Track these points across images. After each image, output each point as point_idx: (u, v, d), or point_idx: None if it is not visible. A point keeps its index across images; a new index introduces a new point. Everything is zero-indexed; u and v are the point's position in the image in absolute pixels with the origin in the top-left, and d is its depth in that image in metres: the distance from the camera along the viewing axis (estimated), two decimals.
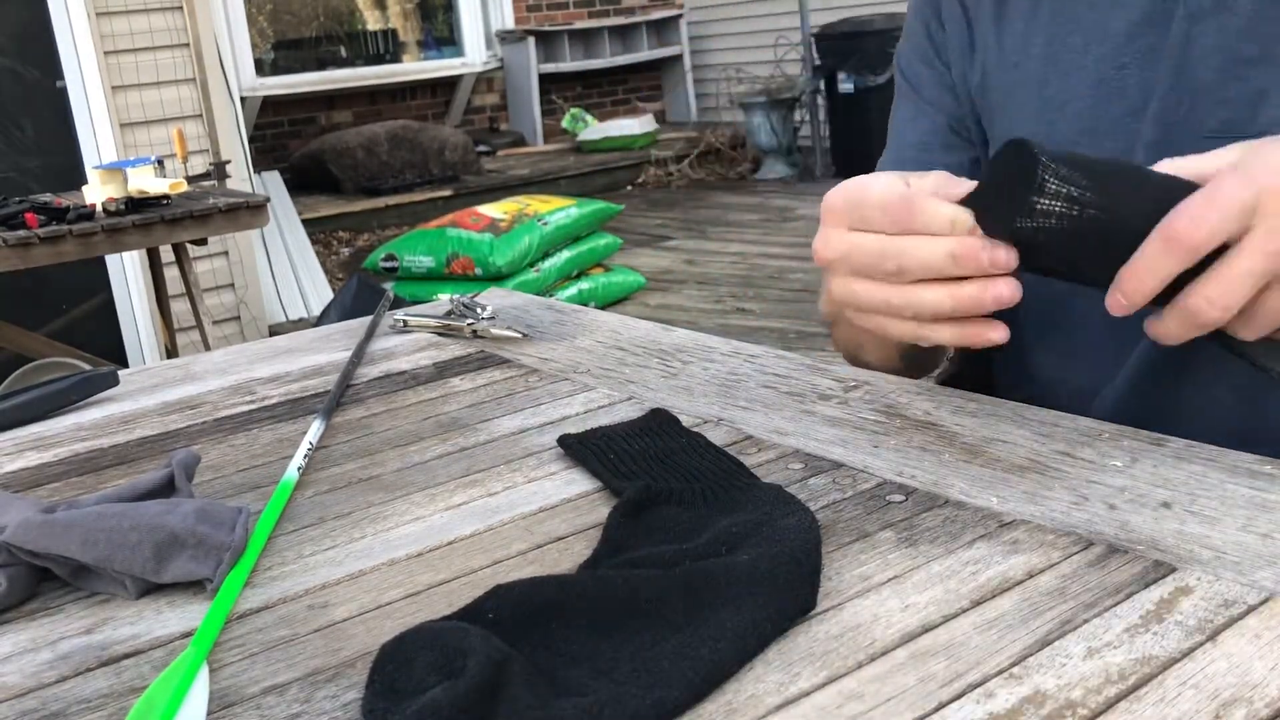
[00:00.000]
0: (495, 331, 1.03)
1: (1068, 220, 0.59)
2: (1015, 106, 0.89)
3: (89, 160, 4.18)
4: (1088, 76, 0.83)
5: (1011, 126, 0.88)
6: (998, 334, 0.66)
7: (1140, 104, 0.80)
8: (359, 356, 0.98)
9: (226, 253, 4.54)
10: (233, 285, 4.61)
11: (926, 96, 0.98)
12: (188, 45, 4.42)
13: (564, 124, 8.18)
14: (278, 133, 7.45)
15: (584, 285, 4.76)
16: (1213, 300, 0.60)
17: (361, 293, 4.01)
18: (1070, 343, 0.87)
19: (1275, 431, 0.76)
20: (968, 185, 0.66)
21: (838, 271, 0.69)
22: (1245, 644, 0.47)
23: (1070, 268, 0.64)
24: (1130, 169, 0.63)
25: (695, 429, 0.74)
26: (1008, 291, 0.63)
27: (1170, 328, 0.62)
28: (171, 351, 3.81)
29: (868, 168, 1.07)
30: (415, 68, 7.99)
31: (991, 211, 0.62)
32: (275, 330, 4.72)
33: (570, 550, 0.60)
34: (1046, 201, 0.59)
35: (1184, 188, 0.61)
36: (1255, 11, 0.75)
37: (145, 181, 2.99)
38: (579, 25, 8.36)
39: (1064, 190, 0.59)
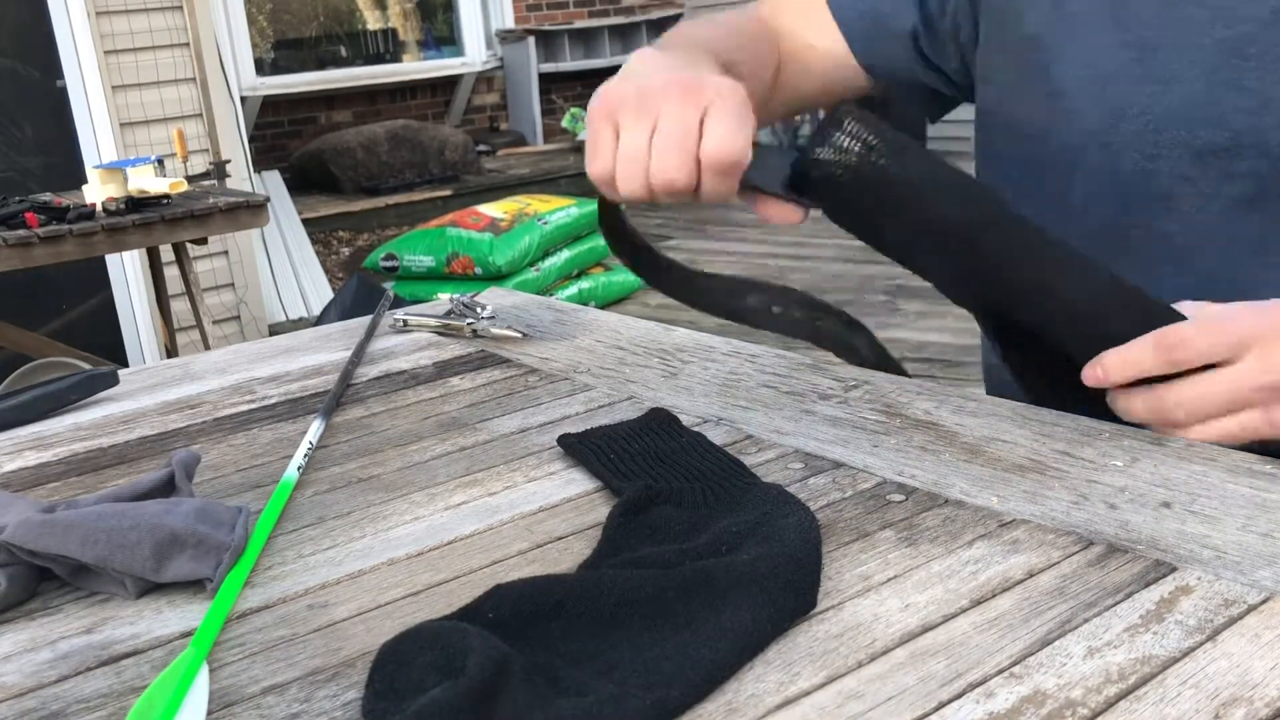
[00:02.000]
0: (495, 331, 1.03)
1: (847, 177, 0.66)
2: (1113, 63, 0.79)
3: (89, 160, 4.18)
4: (1205, 61, 0.75)
5: (1104, 90, 0.79)
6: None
7: (1257, 105, 0.74)
8: (359, 356, 0.98)
9: (226, 252, 4.54)
10: (233, 285, 4.61)
11: None
12: (188, 45, 4.42)
13: (564, 124, 8.18)
14: (278, 132, 7.44)
15: (584, 285, 4.76)
16: (1185, 409, 0.67)
17: (361, 292, 4.01)
18: None
19: None
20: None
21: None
22: (1245, 644, 0.47)
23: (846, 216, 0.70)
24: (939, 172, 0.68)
25: (695, 429, 0.74)
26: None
27: (1136, 408, 0.68)
28: (171, 351, 3.81)
29: None
30: (415, 67, 7.99)
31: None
32: (275, 330, 4.72)
33: (570, 550, 0.60)
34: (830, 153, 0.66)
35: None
36: None
37: (145, 181, 2.99)
38: (579, 25, 8.36)
39: (851, 146, 0.65)
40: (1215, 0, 0.76)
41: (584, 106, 8.91)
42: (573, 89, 8.55)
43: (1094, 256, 0.70)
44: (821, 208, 0.69)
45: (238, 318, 4.64)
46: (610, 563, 0.55)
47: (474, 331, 1.04)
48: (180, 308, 3.65)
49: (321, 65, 7.71)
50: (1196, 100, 0.76)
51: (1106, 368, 0.68)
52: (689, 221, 6.44)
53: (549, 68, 8.17)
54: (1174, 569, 0.53)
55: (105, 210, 2.92)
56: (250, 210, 3.10)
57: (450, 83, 8.05)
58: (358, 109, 7.73)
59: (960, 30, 0.92)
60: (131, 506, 0.60)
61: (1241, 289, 0.74)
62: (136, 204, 2.94)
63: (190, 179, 3.24)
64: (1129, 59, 0.79)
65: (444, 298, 1.15)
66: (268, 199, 3.22)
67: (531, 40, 8.00)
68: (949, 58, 0.94)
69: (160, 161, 3.16)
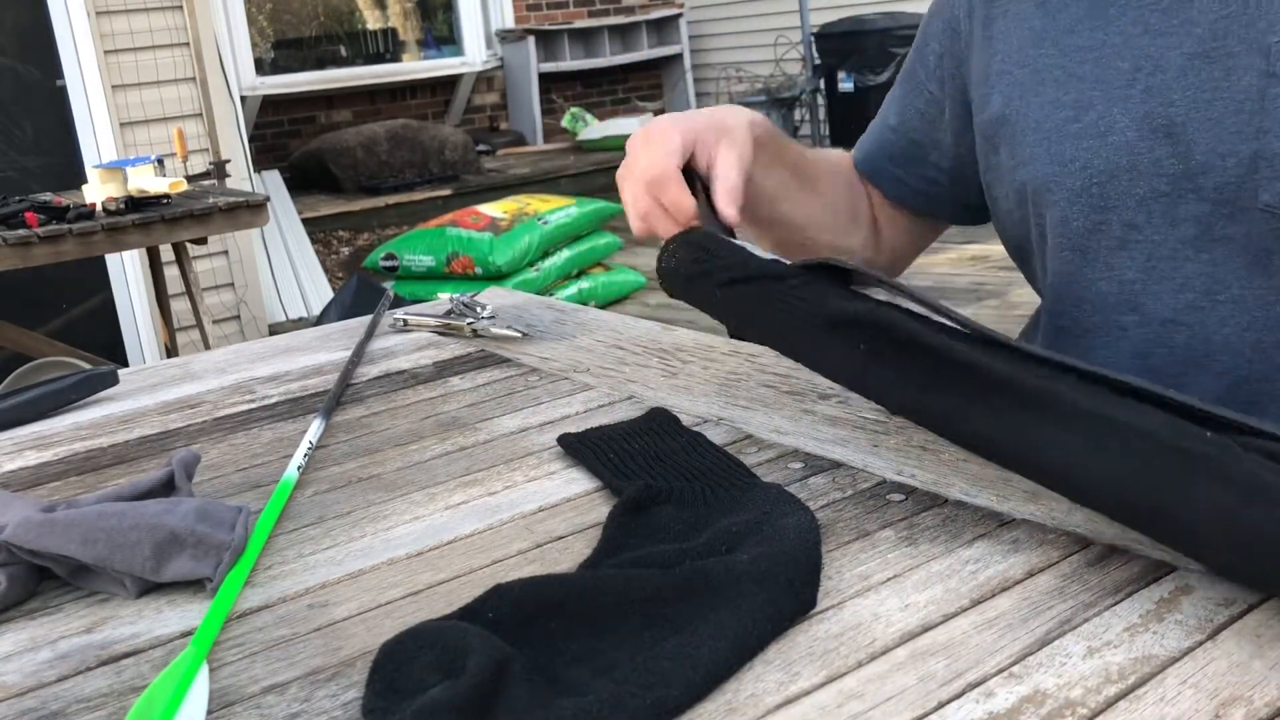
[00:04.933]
0: (495, 331, 1.03)
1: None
2: (1054, 122, 0.83)
3: (89, 159, 4.18)
4: (1134, 109, 0.78)
5: (1049, 148, 0.83)
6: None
7: (1186, 150, 0.76)
8: (359, 356, 0.98)
9: (226, 252, 4.54)
10: (232, 284, 4.61)
11: (921, 78, 0.97)
12: (188, 45, 4.42)
13: (564, 123, 8.17)
14: (278, 132, 7.44)
15: (584, 284, 4.76)
16: None
17: (361, 292, 4.01)
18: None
19: None
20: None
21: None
22: (1245, 643, 0.47)
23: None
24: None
25: (695, 429, 0.74)
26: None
27: None
28: (171, 351, 3.81)
29: None
30: (415, 67, 7.98)
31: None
32: (275, 329, 4.72)
33: (570, 550, 0.60)
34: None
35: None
36: None
37: (145, 181, 2.99)
38: (579, 24, 8.36)
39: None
40: (1138, 51, 0.79)
41: (584, 106, 8.88)
42: (573, 89, 8.55)
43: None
44: None
45: (238, 317, 4.64)
46: (610, 562, 0.55)
47: (474, 331, 1.04)
48: (180, 307, 3.65)
49: (321, 65, 7.71)
50: (1132, 150, 0.79)
51: None
52: None
53: (549, 67, 8.17)
54: (1174, 569, 0.53)
55: (105, 210, 2.91)
56: (250, 210, 3.10)
57: (450, 82, 8.04)
58: (357, 109, 7.73)
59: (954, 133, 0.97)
60: (131, 506, 0.60)
61: (1198, 333, 0.77)
62: (136, 204, 2.94)
63: (190, 179, 3.24)
64: (1067, 117, 0.82)
65: (444, 298, 1.15)
66: (267, 198, 3.22)
67: (531, 40, 8.00)
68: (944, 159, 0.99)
69: (160, 161, 3.16)
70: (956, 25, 0.94)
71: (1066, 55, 0.83)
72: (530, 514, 0.65)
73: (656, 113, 8.48)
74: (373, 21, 8.11)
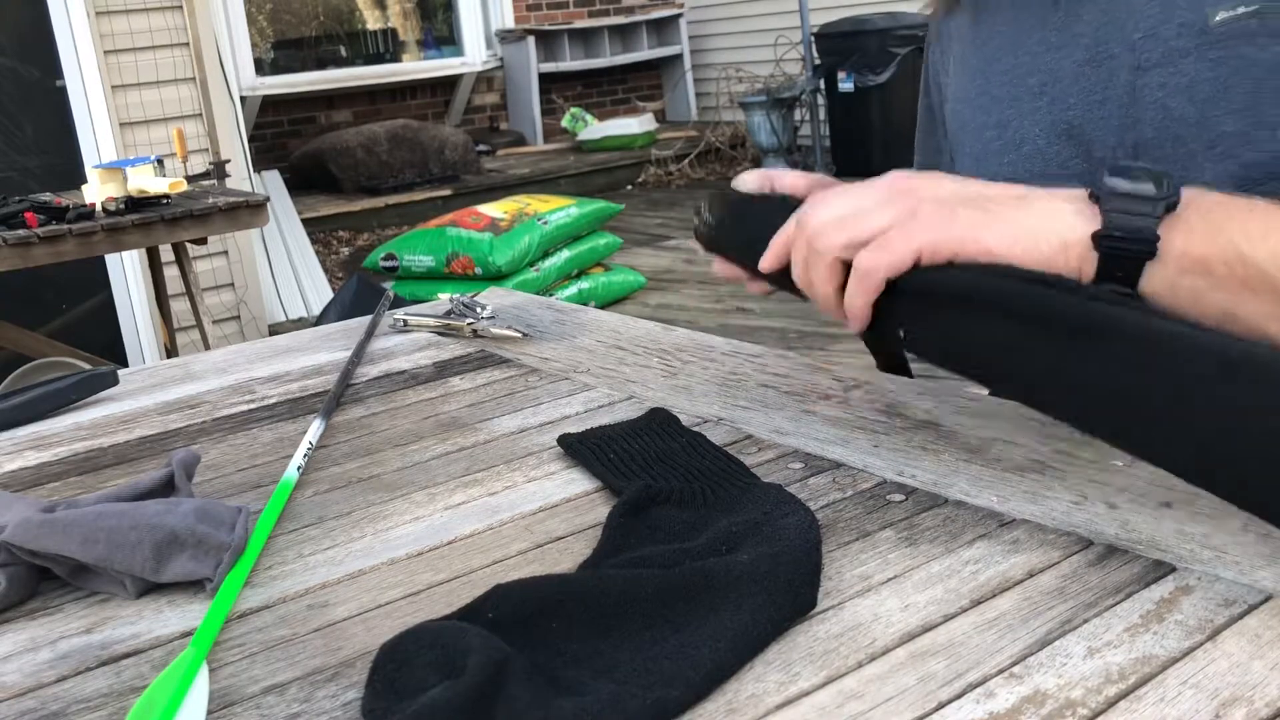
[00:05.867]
0: (495, 331, 1.03)
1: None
2: (981, 144, 0.90)
3: (89, 160, 4.18)
4: (1042, 119, 0.85)
5: (977, 163, 0.91)
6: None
7: (1086, 145, 0.82)
8: (359, 356, 0.98)
9: (226, 252, 4.54)
10: (232, 285, 4.61)
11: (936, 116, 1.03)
12: (188, 45, 4.42)
13: (564, 123, 8.18)
14: (278, 132, 7.44)
15: (584, 285, 4.76)
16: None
17: (361, 292, 4.01)
18: None
19: None
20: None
21: None
22: (1245, 644, 0.47)
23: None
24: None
25: (695, 429, 0.74)
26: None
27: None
28: (171, 351, 3.81)
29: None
30: (415, 67, 7.98)
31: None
32: (275, 330, 4.72)
33: (570, 550, 0.60)
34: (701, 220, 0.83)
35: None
36: (1196, 72, 0.75)
37: (145, 181, 2.99)
38: (579, 25, 8.36)
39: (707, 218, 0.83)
40: (1042, 67, 0.85)
41: (584, 106, 8.88)
42: (573, 89, 8.55)
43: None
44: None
45: (238, 318, 4.64)
46: (610, 562, 0.55)
47: (474, 331, 1.04)
48: (180, 308, 3.65)
49: (321, 65, 7.71)
50: (1043, 156, 0.85)
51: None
52: (689, 221, 6.43)
53: (549, 67, 8.17)
54: (1174, 569, 0.53)
55: (105, 210, 2.91)
56: (250, 210, 3.10)
57: (450, 82, 8.05)
58: (358, 109, 7.73)
59: None
60: (131, 506, 0.60)
61: None
62: (136, 204, 2.94)
63: (190, 179, 3.24)
64: (991, 136, 0.89)
65: (444, 298, 1.15)
66: (267, 199, 3.22)
67: (531, 40, 8.00)
68: None
69: (160, 161, 3.16)
70: (938, 78, 1.01)
71: (990, 81, 0.90)
72: (530, 514, 0.65)
73: (657, 113, 8.49)
74: (373, 21, 8.12)
